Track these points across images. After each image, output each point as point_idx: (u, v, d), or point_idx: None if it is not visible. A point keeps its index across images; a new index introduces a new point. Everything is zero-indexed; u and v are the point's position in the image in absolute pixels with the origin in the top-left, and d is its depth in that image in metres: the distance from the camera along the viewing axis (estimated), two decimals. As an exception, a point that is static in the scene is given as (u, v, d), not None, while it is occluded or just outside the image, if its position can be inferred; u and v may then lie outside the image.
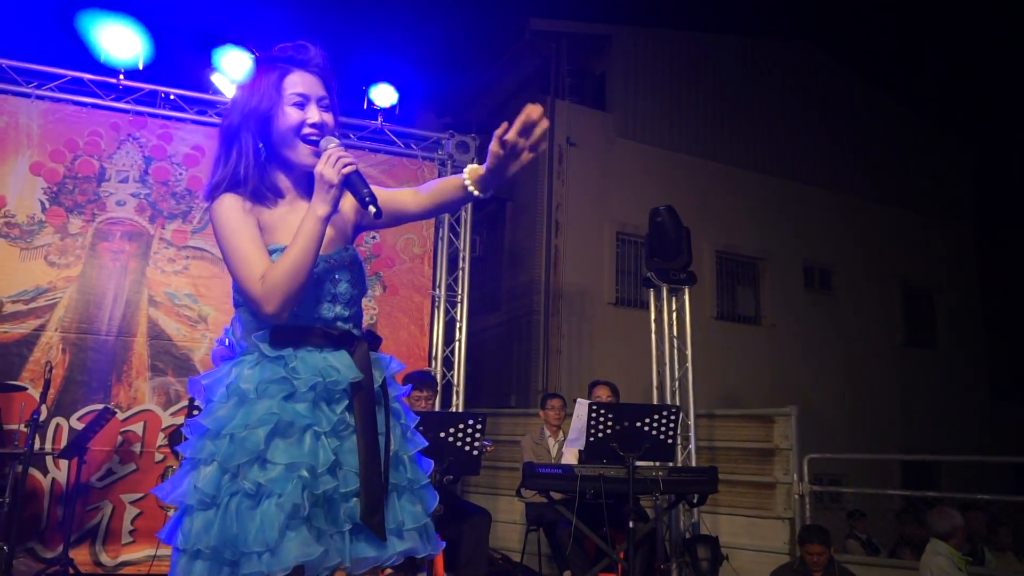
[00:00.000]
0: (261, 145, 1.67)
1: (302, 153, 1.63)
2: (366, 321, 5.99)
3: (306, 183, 1.68)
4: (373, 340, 1.75)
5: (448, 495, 4.67)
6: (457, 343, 6.44)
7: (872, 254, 11.78)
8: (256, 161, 1.65)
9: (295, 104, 1.62)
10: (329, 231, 1.61)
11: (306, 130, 1.62)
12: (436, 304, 6.40)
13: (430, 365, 6.18)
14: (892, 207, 12.18)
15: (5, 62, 5.61)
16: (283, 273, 1.50)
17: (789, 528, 5.35)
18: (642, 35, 10.86)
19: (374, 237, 6.20)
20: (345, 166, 1.54)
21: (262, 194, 1.63)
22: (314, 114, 1.63)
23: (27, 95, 5.61)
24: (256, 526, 1.42)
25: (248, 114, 1.65)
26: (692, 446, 5.64)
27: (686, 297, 5.99)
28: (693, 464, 5.49)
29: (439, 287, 6.44)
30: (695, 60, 11.08)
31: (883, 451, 9.89)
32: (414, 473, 1.68)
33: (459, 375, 6.37)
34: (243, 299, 1.59)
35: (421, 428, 3.82)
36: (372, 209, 1.53)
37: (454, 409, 6.24)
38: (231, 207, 1.59)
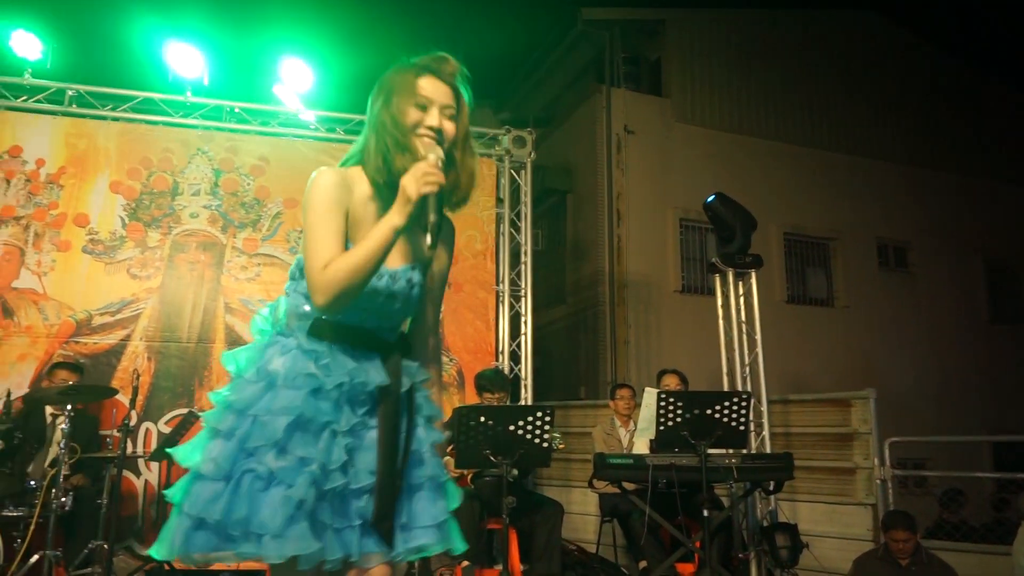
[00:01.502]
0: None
1: (408, 153, 1.61)
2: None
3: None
4: (407, 346, 1.74)
5: (520, 488, 4.70)
6: (523, 337, 6.46)
7: (949, 228, 11.28)
8: (390, 152, 1.62)
9: (418, 105, 1.63)
10: (402, 245, 1.62)
11: (421, 130, 1.62)
12: (500, 299, 6.44)
13: (497, 360, 6.23)
14: (968, 177, 11.62)
15: (83, 88, 5.91)
16: (343, 270, 1.51)
17: (872, 514, 5.19)
18: (696, 17, 10.66)
19: (436, 236, 6.28)
20: (427, 184, 1.51)
21: (377, 179, 1.63)
22: (433, 118, 1.63)
23: (103, 117, 5.90)
24: (262, 510, 1.45)
25: (386, 105, 1.65)
26: (766, 432, 5.53)
27: (753, 281, 5.86)
28: (768, 451, 5.37)
29: (502, 282, 6.47)
30: (753, 38, 10.81)
31: (971, 433, 9.45)
32: (434, 469, 1.66)
33: (526, 369, 6.40)
34: (302, 278, 1.62)
35: (491, 423, 3.89)
36: (428, 238, 1.51)
37: (523, 403, 6.27)
38: (328, 185, 1.59)
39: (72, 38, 6.19)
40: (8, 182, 5.57)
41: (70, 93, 5.89)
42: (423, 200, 1.51)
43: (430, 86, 1.64)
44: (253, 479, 1.48)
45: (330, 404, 1.56)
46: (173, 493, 1.52)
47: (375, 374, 1.61)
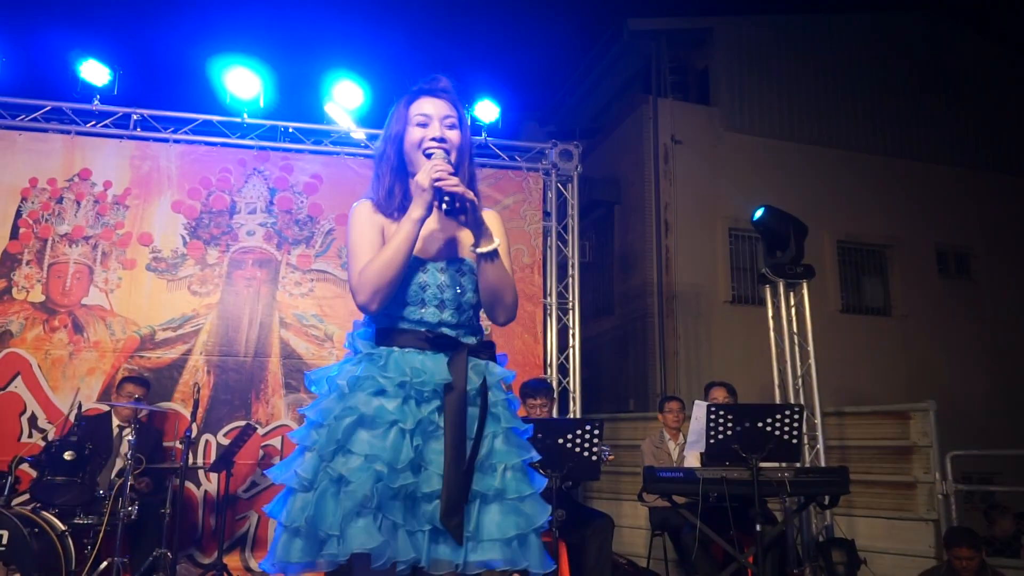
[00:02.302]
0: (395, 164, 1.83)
1: (420, 166, 1.73)
2: (481, 332, 6.15)
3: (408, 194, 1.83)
4: (484, 347, 1.78)
5: (569, 501, 4.71)
6: (571, 350, 6.47)
7: (1014, 234, 10.88)
8: (394, 178, 1.82)
9: (419, 124, 1.78)
10: (439, 237, 1.77)
11: (426, 144, 1.76)
12: (548, 312, 6.47)
13: (545, 373, 6.25)
14: (1033, 181, 11.22)
15: (146, 112, 6.17)
16: (375, 267, 1.66)
17: (934, 530, 5.04)
18: (744, 24, 10.57)
19: (484, 250, 6.34)
20: (436, 171, 1.64)
21: (390, 208, 1.79)
22: (435, 130, 1.77)
23: (165, 140, 6.15)
24: (331, 511, 1.54)
25: (388, 138, 1.84)
26: (820, 445, 5.42)
27: (804, 291, 5.77)
28: (822, 464, 5.27)
29: (550, 295, 6.50)
30: (802, 43, 10.66)
31: (1041, 446, 9.07)
32: (509, 483, 1.64)
33: (575, 382, 6.40)
34: None
35: (539, 436, 3.92)
36: (444, 207, 1.64)
37: (571, 415, 6.27)
38: (360, 211, 1.80)
39: (136, 65, 6.47)
40: (79, 204, 5.84)
41: (135, 117, 6.15)
42: (439, 191, 1.63)
43: (428, 104, 1.80)
44: (328, 483, 1.57)
45: (396, 403, 1.63)
46: (272, 508, 1.63)
47: (437, 372, 1.66)
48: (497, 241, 1.70)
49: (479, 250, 1.69)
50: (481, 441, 1.65)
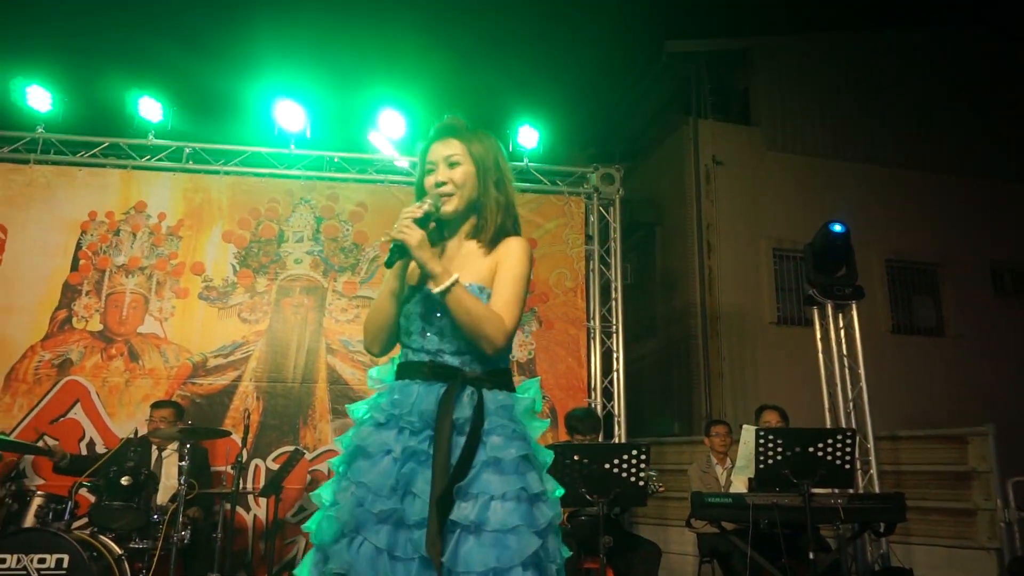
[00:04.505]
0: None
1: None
2: (523, 356, 6.17)
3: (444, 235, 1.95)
4: (491, 376, 1.80)
5: (617, 527, 4.66)
6: (615, 373, 6.44)
7: (1073, 249, 10.52)
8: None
9: (429, 171, 1.90)
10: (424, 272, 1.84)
11: (433, 190, 1.87)
12: (592, 335, 6.45)
13: (589, 396, 6.23)
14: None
15: (198, 145, 6.38)
16: (368, 316, 1.92)
17: (997, 559, 4.86)
18: (784, 44, 10.51)
19: (527, 274, 6.38)
20: (397, 231, 1.74)
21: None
22: (440, 175, 1.87)
23: (216, 172, 6.34)
24: (326, 531, 1.71)
25: (416, 187, 1.97)
26: (874, 471, 5.29)
27: (854, 312, 5.66)
28: (876, 490, 5.13)
29: (593, 318, 6.49)
30: (844, 61, 10.54)
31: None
32: (492, 514, 1.63)
33: (619, 405, 6.36)
34: None
35: (585, 460, 3.90)
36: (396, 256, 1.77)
37: (616, 440, 6.23)
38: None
39: (188, 100, 6.70)
40: (134, 235, 6.05)
41: (187, 151, 6.36)
42: (404, 247, 1.73)
43: (435, 149, 1.90)
44: (329, 505, 1.75)
45: (392, 434, 1.72)
46: (308, 526, 1.78)
47: (426, 403, 1.74)
48: (453, 278, 1.71)
49: (432, 291, 1.74)
50: (466, 471, 1.66)
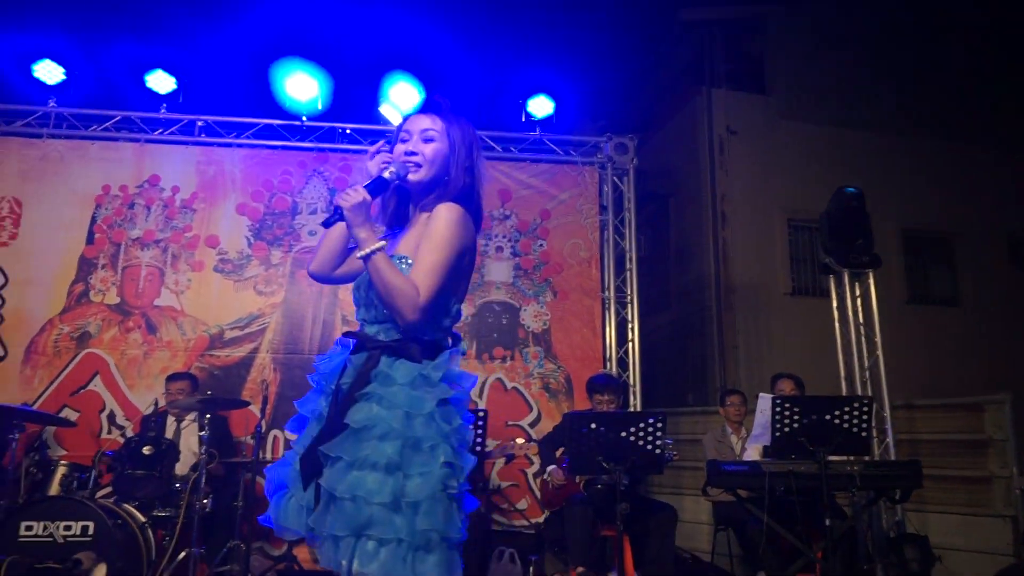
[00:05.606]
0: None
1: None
2: (539, 327, 6.17)
3: (406, 203, 2.00)
4: (402, 345, 1.79)
5: (633, 494, 4.69)
6: (630, 344, 6.44)
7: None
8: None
9: (402, 140, 1.93)
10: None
11: (401, 158, 1.89)
12: (606, 306, 6.45)
13: (604, 367, 6.23)
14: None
15: (210, 118, 6.37)
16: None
17: (1012, 527, 4.86)
18: (799, 10, 10.31)
19: (541, 245, 6.38)
20: (343, 193, 1.79)
21: (384, 215, 2.01)
22: (412, 145, 1.90)
23: (229, 145, 6.33)
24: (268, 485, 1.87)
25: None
26: (890, 439, 5.28)
27: (871, 281, 5.62)
28: (892, 458, 5.14)
29: (608, 289, 6.48)
30: (861, 28, 10.34)
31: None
32: (337, 480, 1.66)
33: (634, 376, 6.37)
34: None
35: (602, 429, 3.92)
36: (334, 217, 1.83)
37: (632, 409, 6.24)
38: None
39: (199, 73, 6.67)
40: (148, 209, 6.07)
41: (199, 124, 6.36)
42: (340, 209, 1.78)
43: (412, 121, 1.94)
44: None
45: (322, 398, 1.83)
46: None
47: (325, 368, 1.85)
48: (375, 246, 1.72)
49: (357, 256, 1.76)
50: (329, 435, 1.72)
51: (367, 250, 1.72)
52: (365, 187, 1.78)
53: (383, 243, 1.74)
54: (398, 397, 1.71)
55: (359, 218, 1.74)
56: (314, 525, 1.68)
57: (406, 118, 1.97)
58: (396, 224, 1.98)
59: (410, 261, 1.79)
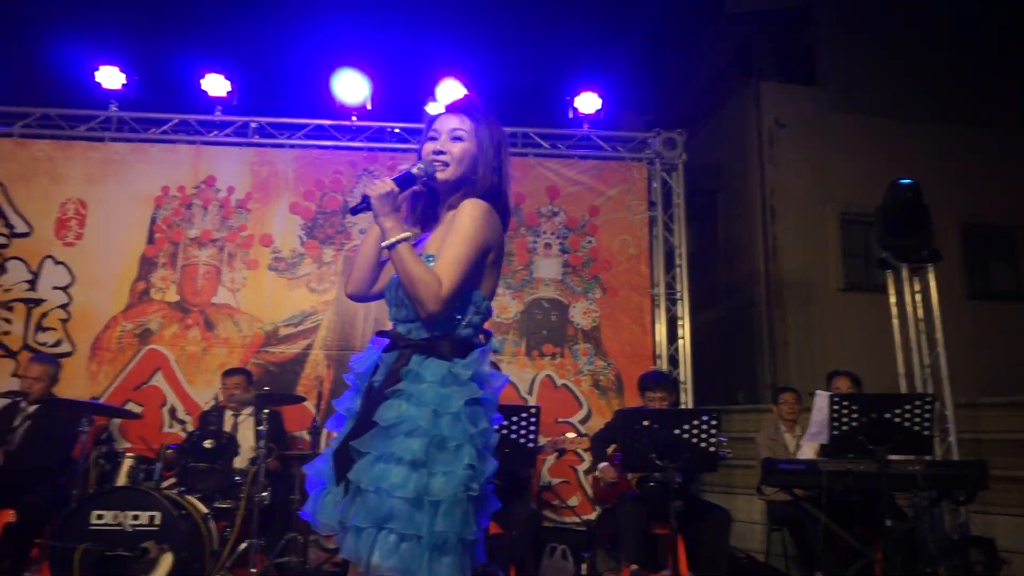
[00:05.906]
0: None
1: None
2: (588, 324, 6.16)
3: (435, 204, 1.98)
4: (432, 343, 1.78)
5: (687, 494, 4.65)
6: (680, 340, 6.38)
7: None
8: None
9: (431, 138, 1.93)
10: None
11: (429, 156, 1.90)
12: (656, 303, 6.40)
13: (655, 364, 6.19)
14: None
15: (263, 119, 6.50)
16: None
17: (1083, 531, 4.69)
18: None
19: (590, 241, 6.36)
20: (370, 187, 1.82)
21: (413, 212, 2.01)
22: (441, 144, 1.90)
23: (281, 145, 6.45)
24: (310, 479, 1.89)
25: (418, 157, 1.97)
26: (952, 438, 5.14)
27: (930, 276, 5.48)
28: (956, 458, 5.00)
29: (658, 285, 6.43)
30: (915, 14, 10.05)
31: None
32: (363, 473, 1.68)
33: (685, 372, 6.31)
34: None
35: (655, 426, 3.89)
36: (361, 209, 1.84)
37: (683, 407, 6.19)
38: None
39: (252, 75, 6.81)
40: (205, 209, 6.22)
41: (253, 125, 6.50)
42: (368, 198, 1.80)
43: (441, 120, 1.94)
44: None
45: (352, 395, 1.86)
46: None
47: (359, 368, 1.87)
48: (400, 236, 1.74)
49: (381, 244, 1.79)
50: (361, 431, 1.73)
51: (392, 239, 1.74)
52: (393, 179, 1.81)
53: (408, 233, 1.77)
54: (427, 395, 1.72)
55: (386, 207, 1.78)
56: (341, 517, 1.71)
57: (435, 117, 1.97)
58: (426, 225, 1.99)
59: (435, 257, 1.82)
